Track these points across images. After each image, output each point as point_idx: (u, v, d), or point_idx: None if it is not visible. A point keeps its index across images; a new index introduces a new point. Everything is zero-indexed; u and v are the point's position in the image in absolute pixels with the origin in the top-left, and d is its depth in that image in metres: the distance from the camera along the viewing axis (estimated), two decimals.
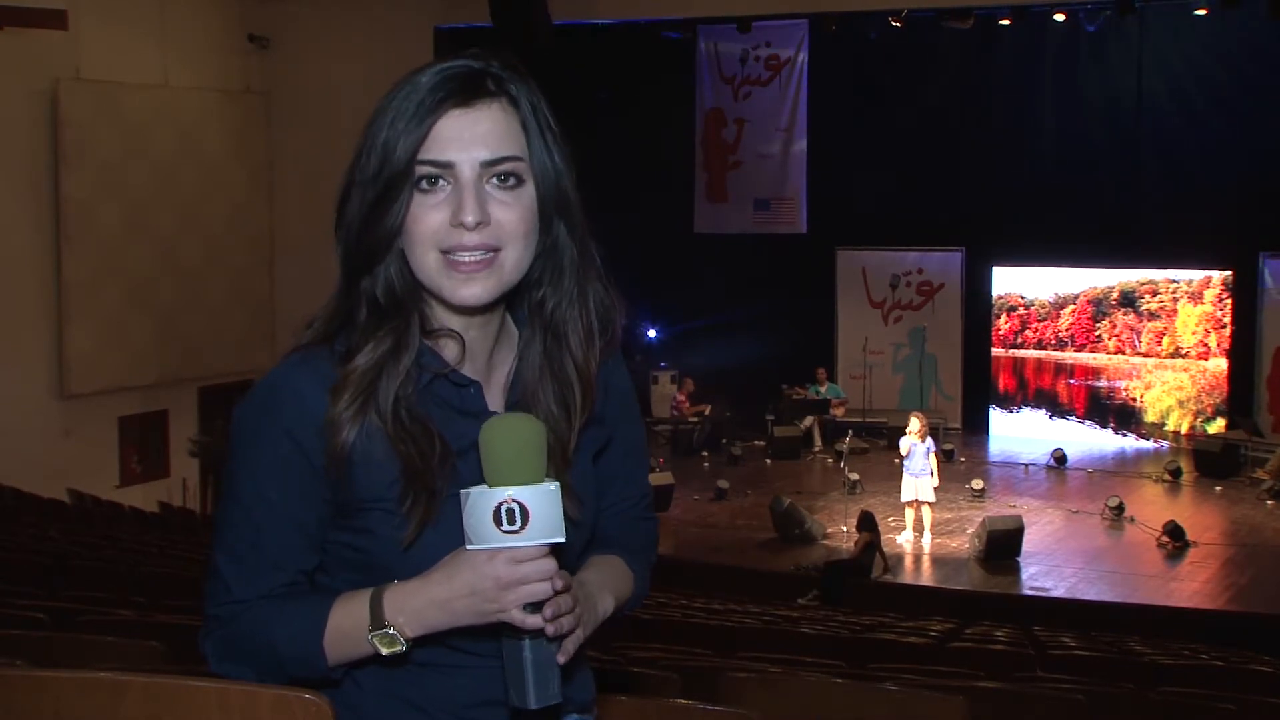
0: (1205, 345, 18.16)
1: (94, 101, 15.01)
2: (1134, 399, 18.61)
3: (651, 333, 20.31)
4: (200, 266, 16.37)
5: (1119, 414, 18.71)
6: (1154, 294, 18.55)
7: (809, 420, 18.13)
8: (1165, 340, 18.39)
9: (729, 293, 19.05)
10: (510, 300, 1.76)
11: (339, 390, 1.64)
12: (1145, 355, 18.55)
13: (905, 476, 13.68)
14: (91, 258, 15.07)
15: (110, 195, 15.23)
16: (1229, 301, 17.92)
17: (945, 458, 15.72)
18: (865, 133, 18.11)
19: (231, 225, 16.80)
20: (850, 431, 16.38)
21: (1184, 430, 18.06)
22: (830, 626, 8.17)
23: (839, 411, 18.37)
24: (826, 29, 16.99)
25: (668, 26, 17.86)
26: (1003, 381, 19.52)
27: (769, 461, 17.54)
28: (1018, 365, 19.47)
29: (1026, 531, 13.20)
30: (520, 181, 1.67)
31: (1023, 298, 19.40)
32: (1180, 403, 18.27)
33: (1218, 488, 15.91)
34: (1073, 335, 19.07)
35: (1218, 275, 17.96)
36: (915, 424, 13.67)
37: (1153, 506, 14.90)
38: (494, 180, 1.65)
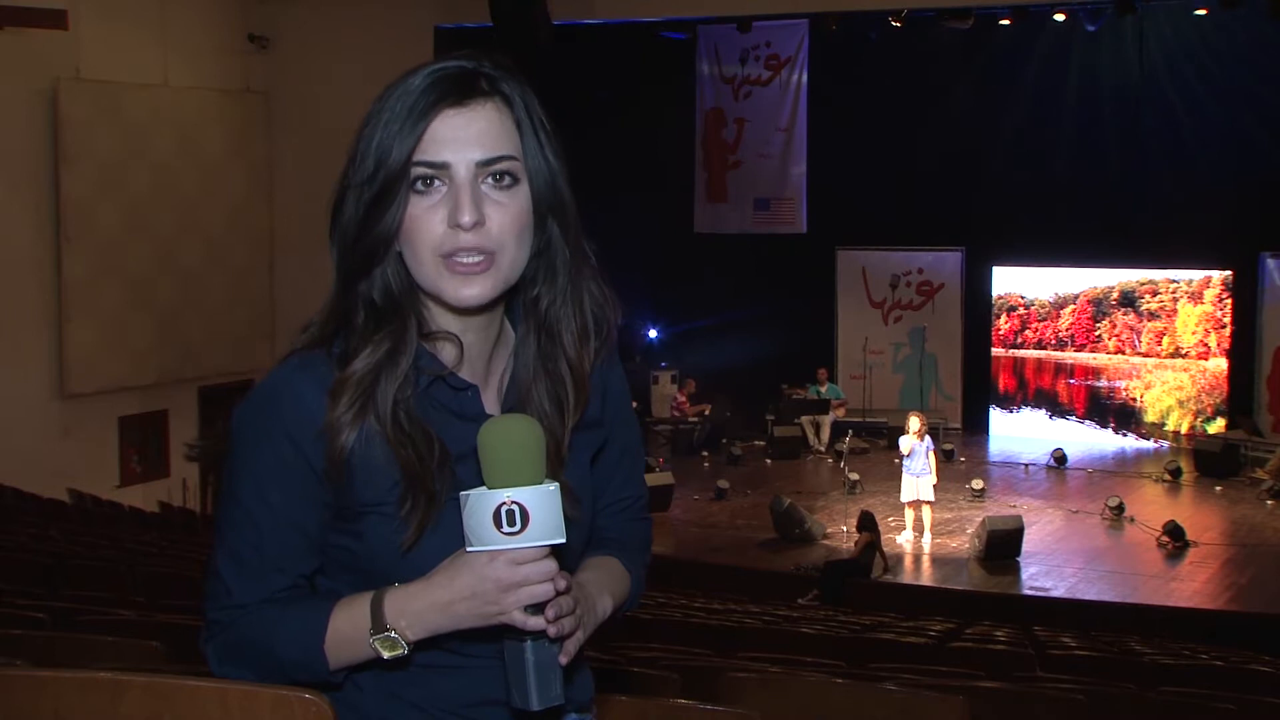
0: (1205, 345, 18.16)
1: (94, 101, 15.01)
2: (1134, 399, 18.62)
3: (652, 333, 20.31)
4: (200, 266, 16.37)
5: (1119, 414, 18.71)
6: (1154, 294, 18.56)
7: (823, 419, 18.11)
8: (1165, 340, 18.39)
9: (729, 293, 19.05)
10: (506, 301, 1.76)
11: (337, 394, 1.64)
12: (1145, 355, 18.56)
13: (905, 476, 13.68)
14: (91, 257, 15.07)
15: (110, 195, 15.23)
16: (1229, 301, 17.92)
17: (945, 458, 15.74)
18: (865, 132, 18.10)
19: (231, 225, 16.79)
20: (850, 431, 16.39)
21: (1184, 430, 18.06)
22: (830, 626, 8.17)
23: (839, 412, 18.38)
24: (826, 29, 16.98)
25: (668, 26, 17.85)
26: (1003, 381, 19.52)
27: (769, 461, 17.55)
28: (1018, 365, 19.47)
29: (1026, 531, 13.20)
30: (515, 181, 1.67)
31: (1023, 297, 19.40)
32: (1180, 403, 18.27)
33: (1218, 488, 15.91)
34: (1073, 335, 19.07)
35: (1218, 275, 17.96)
36: (915, 424, 13.68)
37: (1153, 506, 14.90)
38: (489, 180, 1.65)
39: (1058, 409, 19.16)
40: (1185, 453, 17.28)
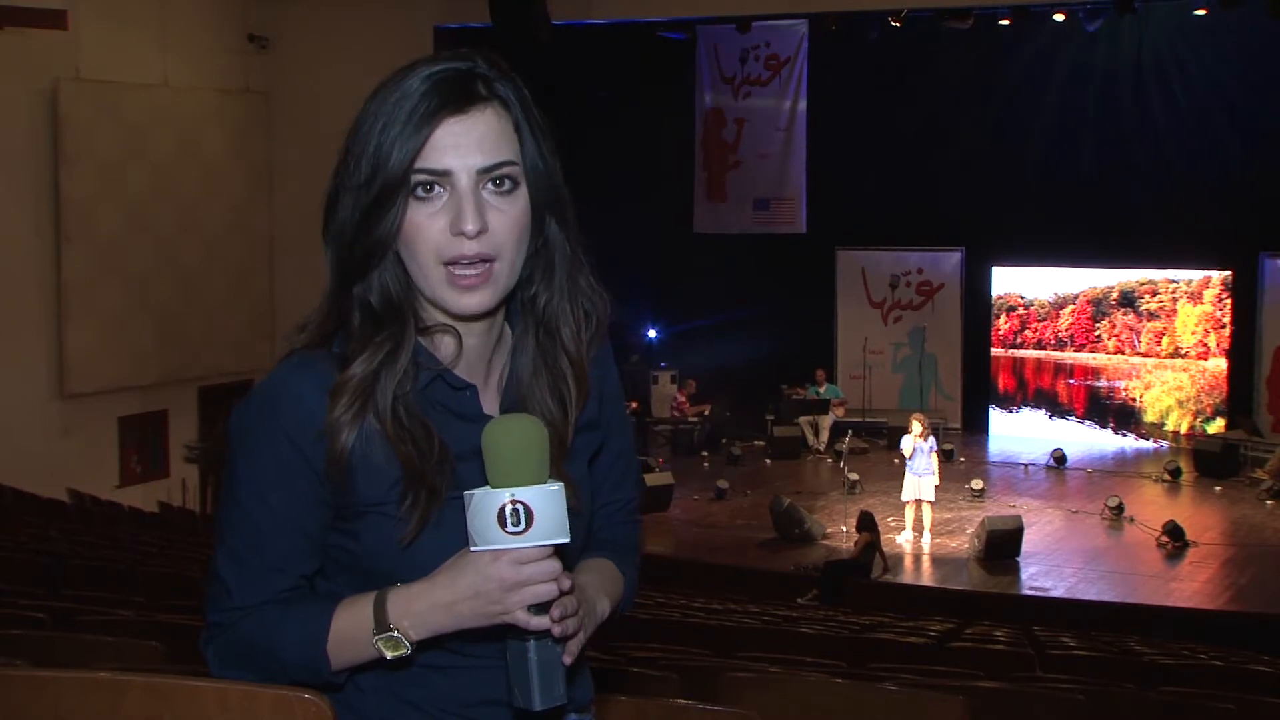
0: (1205, 345, 18.16)
1: (94, 101, 15.00)
2: (1133, 399, 18.62)
3: (652, 333, 20.31)
4: (200, 266, 16.36)
5: (1118, 414, 18.71)
6: (1153, 294, 18.56)
7: (822, 419, 18.11)
8: (1165, 340, 18.40)
9: (729, 293, 19.06)
10: (505, 301, 1.76)
11: (337, 395, 1.64)
12: (1145, 355, 18.56)
13: (908, 476, 13.70)
14: (91, 257, 15.06)
15: (110, 195, 15.22)
16: (1228, 301, 17.93)
17: (945, 458, 15.73)
18: (865, 132, 18.10)
19: (231, 225, 16.78)
20: (850, 431, 16.40)
21: (1183, 430, 18.06)
22: (830, 626, 8.17)
23: (839, 412, 18.38)
24: (826, 29, 16.98)
25: (668, 27, 17.85)
26: (1002, 381, 19.52)
27: (769, 461, 17.55)
28: (1017, 365, 19.47)
29: (1026, 531, 13.21)
30: (515, 185, 1.67)
31: (1022, 298, 19.40)
32: (1180, 403, 18.28)
33: (1217, 488, 15.91)
34: (1072, 335, 19.07)
35: (1217, 275, 17.97)
36: (917, 426, 13.70)
37: (1152, 506, 14.90)
38: (489, 185, 1.65)
39: (1057, 409, 19.17)
40: (1185, 453, 17.28)
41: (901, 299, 19.49)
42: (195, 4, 16.37)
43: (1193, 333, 18.22)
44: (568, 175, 1.74)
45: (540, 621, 1.57)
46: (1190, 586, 12.28)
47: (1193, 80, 17.23)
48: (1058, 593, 12.13)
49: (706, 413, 18.69)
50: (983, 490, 15.46)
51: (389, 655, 1.61)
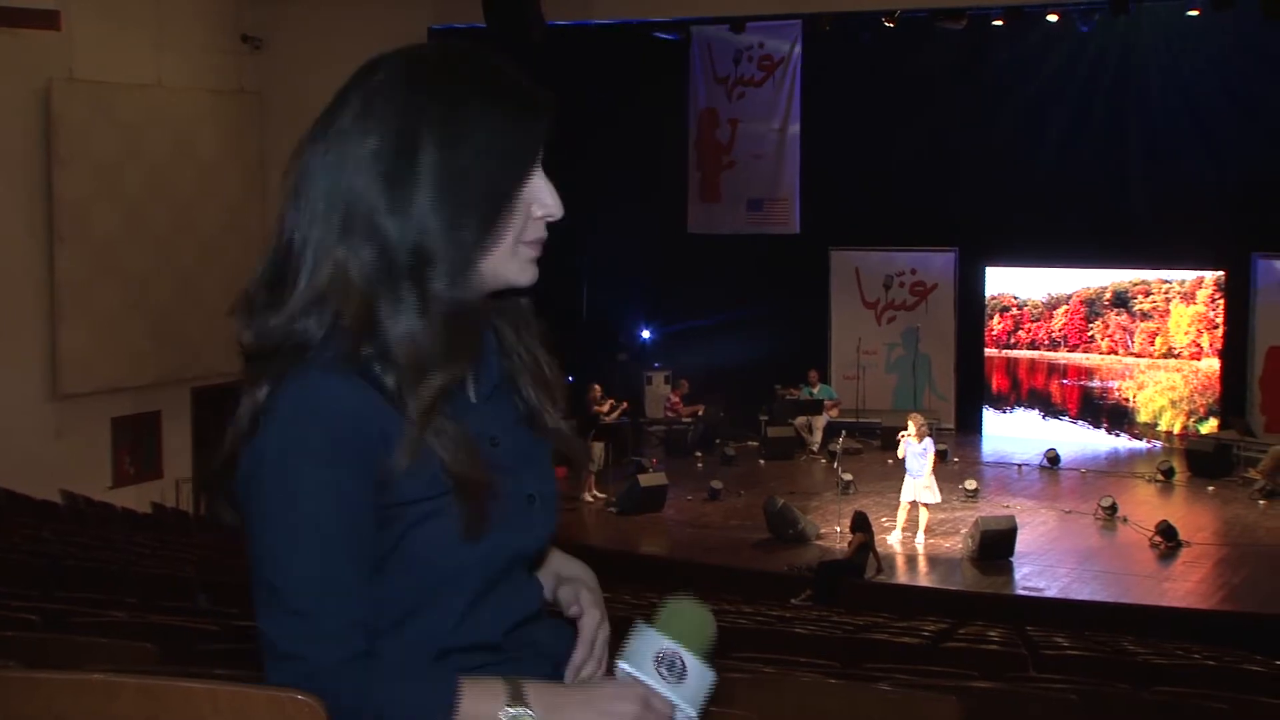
0: (1198, 345, 18.20)
1: (87, 102, 14.98)
2: (1127, 399, 18.65)
3: (645, 333, 20.31)
4: (195, 267, 16.33)
5: (1112, 414, 18.74)
6: (1147, 294, 18.60)
7: (816, 419, 18.12)
8: (1158, 340, 18.43)
9: (723, 293, 19.06)
10: None
11: (416, 406, 1.58)
12: (1138, 355, 18.59)
13: (907, 477, 13.71)
14: (85, 258, 15.04)
15: (104, 195, 15.20)
16: (1221, 302, 17.97)
17: (939, 458, 15.74)
18: (858, 133, 18.11)
19: (226, 225, 16.74)
20: (844, 432, 16.41)
21: (1177, 430, 18.10)
22: (824, 627, 8.18)
23: (833, 412, 18.40)
24: (820, 29, 17.00)
25: (661, 27, 17.85)
26: (996, 382, 19.55)
27: (763, 462, 17.56)
28: (1011, 365, 19.50)
29: (1020, 531, 13.22)
30: None
31: (1016, 298, 19.43)
32: (1173, 403, 18.31)
33: (1210, 488, 15.94)
34: (1066, 335, 19.10)
35: (1210, 275, 18.01)
36: (913, 427, 13.70)
37: (1146, 506, 14.92)
38: None
39: (1051, 409, 19.20)
40: (1178, 453, 17.31)
41: (895, 299, 19.51)
42: (189, 4, 16.35)
43: (1186, 333, 18.25)
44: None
45: None
46: (1183, 586, 12.30)
47: (1185, 81, 17.26)
48: (1051, 593, 12.14)
49: (700, 413, 18.70)
50: (976, 490, 15.48)
51: None
